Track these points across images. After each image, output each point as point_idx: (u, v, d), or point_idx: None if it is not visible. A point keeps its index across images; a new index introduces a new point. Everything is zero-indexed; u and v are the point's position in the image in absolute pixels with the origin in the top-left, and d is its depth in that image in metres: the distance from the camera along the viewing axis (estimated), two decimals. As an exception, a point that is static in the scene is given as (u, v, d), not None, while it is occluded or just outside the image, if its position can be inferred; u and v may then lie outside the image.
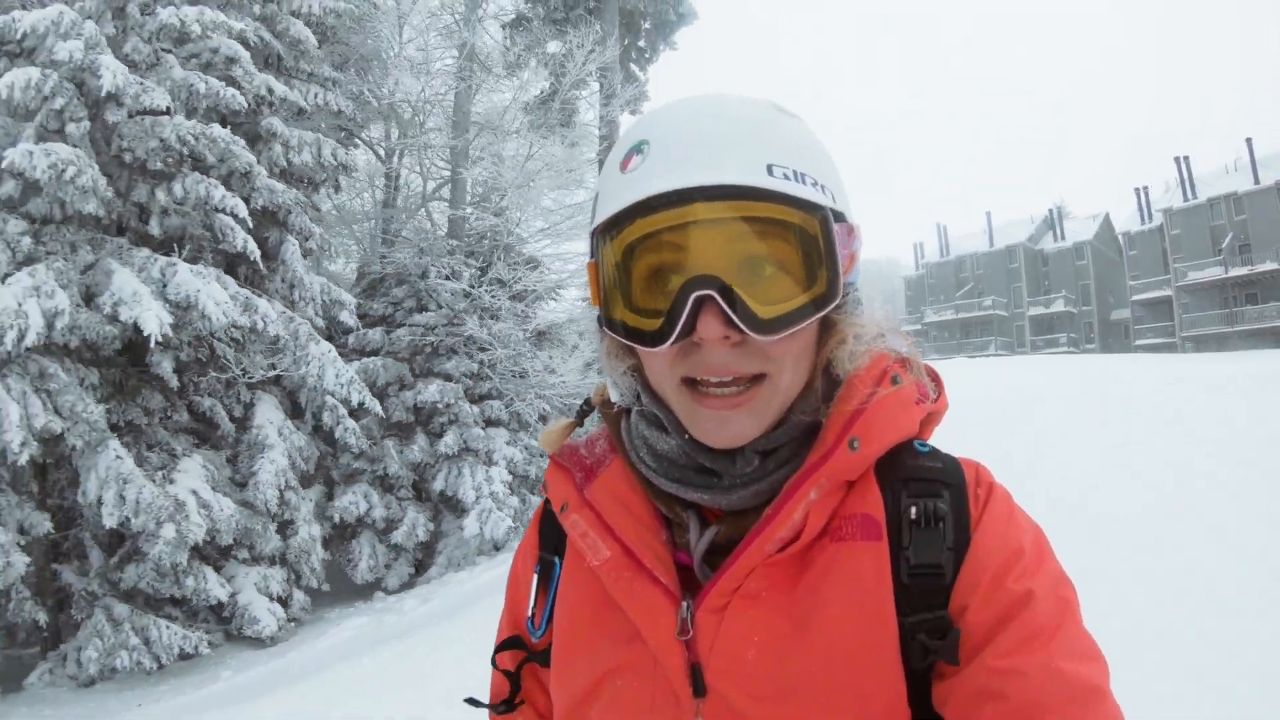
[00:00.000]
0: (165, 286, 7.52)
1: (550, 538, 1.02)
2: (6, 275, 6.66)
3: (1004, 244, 56.34)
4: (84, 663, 7.27)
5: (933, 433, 0.92)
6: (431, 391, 11.12)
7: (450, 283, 12.03)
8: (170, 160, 7.91)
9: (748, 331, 0.77)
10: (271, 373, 9.04)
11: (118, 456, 7.15)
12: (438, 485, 11.09)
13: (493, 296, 12.29)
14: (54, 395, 6.83)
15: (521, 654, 1.03)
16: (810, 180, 0.80)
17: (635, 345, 0.84)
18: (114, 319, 7.19)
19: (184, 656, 7.83)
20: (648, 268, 0.82)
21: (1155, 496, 8.00)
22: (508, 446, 11.61)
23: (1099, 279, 52.97)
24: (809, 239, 0.80)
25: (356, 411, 10.03)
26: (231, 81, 8.67)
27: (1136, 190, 49.57)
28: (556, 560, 1.00)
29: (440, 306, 11.92)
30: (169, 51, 8.32)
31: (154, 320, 7.03)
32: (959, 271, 58.74)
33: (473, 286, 12.11)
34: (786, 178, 0.78)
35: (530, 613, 1.00)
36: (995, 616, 0.76)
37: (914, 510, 0.82)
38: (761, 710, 0.78)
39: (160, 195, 7.92)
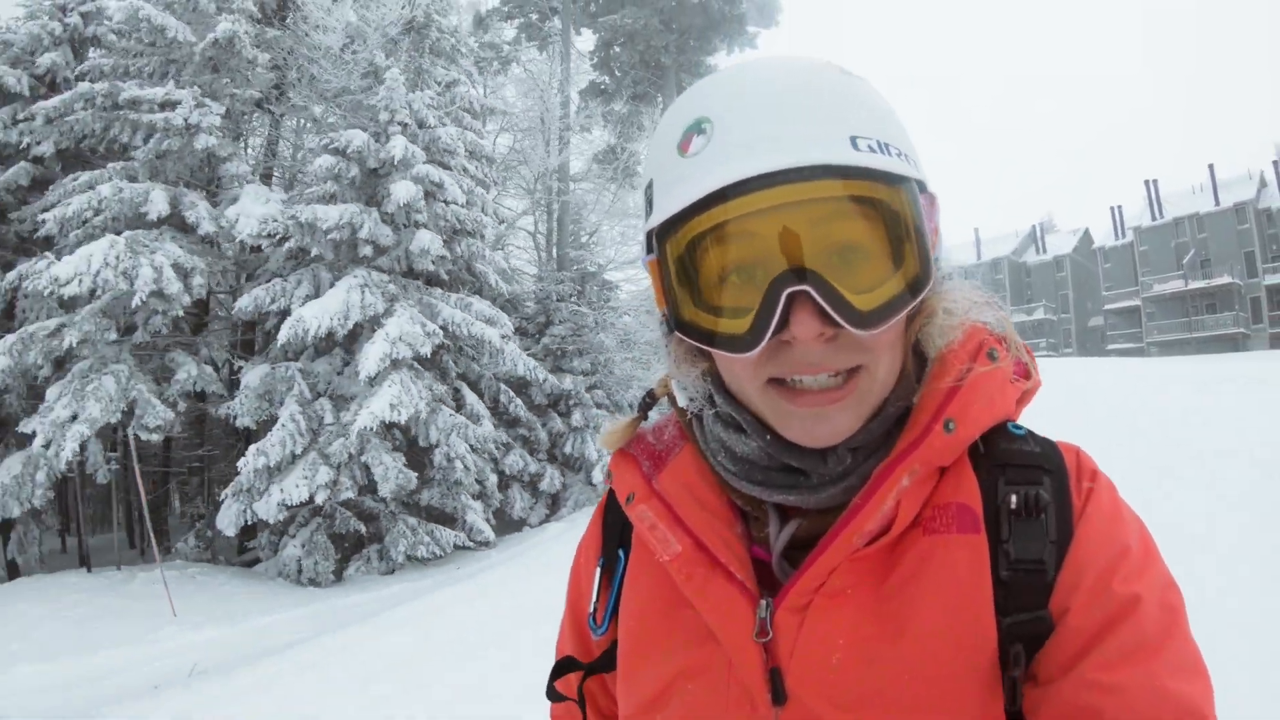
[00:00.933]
0: (459, 313, 12.01)
1: (614, 530, 0.97)
2: (388, 310, 11.02)
3: (990, 257, 60.85)
4: (393, 555, 11.46)
5: (1021, 414, 0.84)
6: (566, 383, 15.49)
7: (564, 304, 16.44)
8: (454, 230, 12.37)
9: (847, 327, 0.69)
10: (493, 368, 13.64)
11: (451, 415, 11.62)
12: (567, 449, 15.44)
13: (596, 311, 16.70)
14: (416, 384, 11.24)
15: (579, 674, 0.96)
16: (895, 150, 0.72)
17: (716, 351, 0.76)
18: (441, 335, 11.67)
19: (436, 557, 12.04)
20: (722, 262, 0.73)
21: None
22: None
23: (1077, 289, 57.46)
24: (898, 217, 0.72)
25: (520, 394, 14.43)
26: (465, 171, 13.13)
27: (1111, 209, 54.15)
28: (621, 554, 0.94)
29: (563, 321, 16.30)
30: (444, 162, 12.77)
31: (494, 333, 11.51)
32: (948, 282, 63.22)
33: (578, 305, 16.51)
34: (872, 150, 0.69)
35: (592, 609, 0.94)
36: (1099, 622, 0.69)
37: (1014, 499, 0.74)
38: (845, 718, 0.72)
39: (447, 253, 12.37)
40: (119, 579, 10.80)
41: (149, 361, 11.35)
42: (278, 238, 11.66)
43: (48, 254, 10.70)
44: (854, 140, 0.69)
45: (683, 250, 0.74)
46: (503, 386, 14.09)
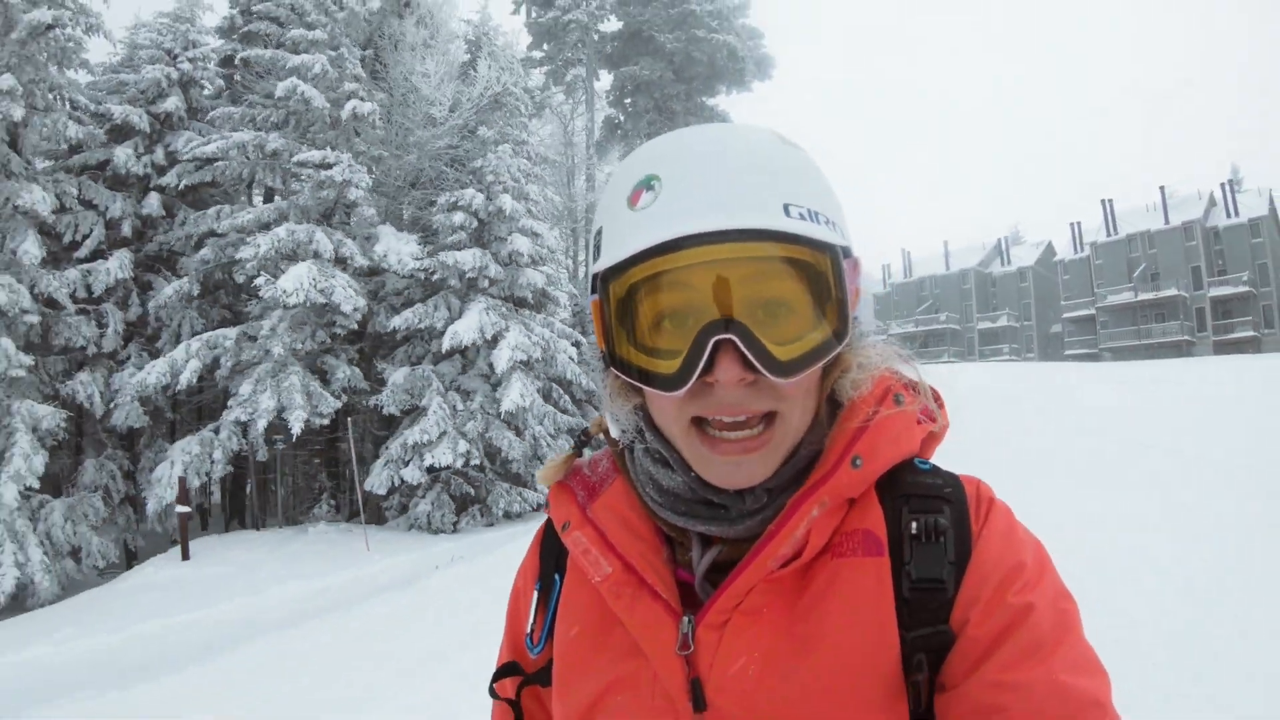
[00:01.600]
0: (547, 330, 15.62)
1: (551, 556, 1.02)
2: (506, 327, 14.53)
3: (958, 267, 64.98)
4: (494, 511, 14.99)
5: (934, 452, 0.91)
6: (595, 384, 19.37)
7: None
8: (527, 260, 15.89)
9: (765, 374, 0.76)
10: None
11: (542, 404, 15.45)
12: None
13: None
14: (528, 380, 14.77)
15: (519, 679, 1.02)
16: (823, 219, 0.79)
17: (647, 388, 0.82)
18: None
19: (522, 514, 15.50)
20: (658, 308, 0.80)
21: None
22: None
23: (1039, 298, 61.62)
24: (821, 278, 0.79)
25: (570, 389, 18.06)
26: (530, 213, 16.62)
27: (1071, 225, 58.39)
28: (557, 578, 0.99)
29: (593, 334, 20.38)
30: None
31: (565, 344, 15.21)
32: (919, 290, 67.38)
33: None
34: (803, 217, 0.76)
35: (530, 629, 0.99)
36: (996, 630, 0.75)
37: (915, 525, 0.81)
38: None
39: (521, 279, 15.82)
40: (292, 533, 14.23)
41: (310, 364, 14.73)
42: (422, 273, 15.38)
43: (265, 274, 14.15)
44: (787, 207, 0.75)
45: (624, 294, 0.80)
46: (553, 384, 17.67)
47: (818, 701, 0.77)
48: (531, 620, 1.00)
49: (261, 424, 13.35)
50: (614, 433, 0.97)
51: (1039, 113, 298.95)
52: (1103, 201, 53.96)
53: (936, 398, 0.92)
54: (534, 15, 26.37)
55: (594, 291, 0.86)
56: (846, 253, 0.83)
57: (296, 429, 13.61)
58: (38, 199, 13.20)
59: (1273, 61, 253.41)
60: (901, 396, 0.87)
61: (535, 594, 1.01)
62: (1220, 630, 5.01)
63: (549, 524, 1.03)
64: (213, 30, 19.43)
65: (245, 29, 18.36)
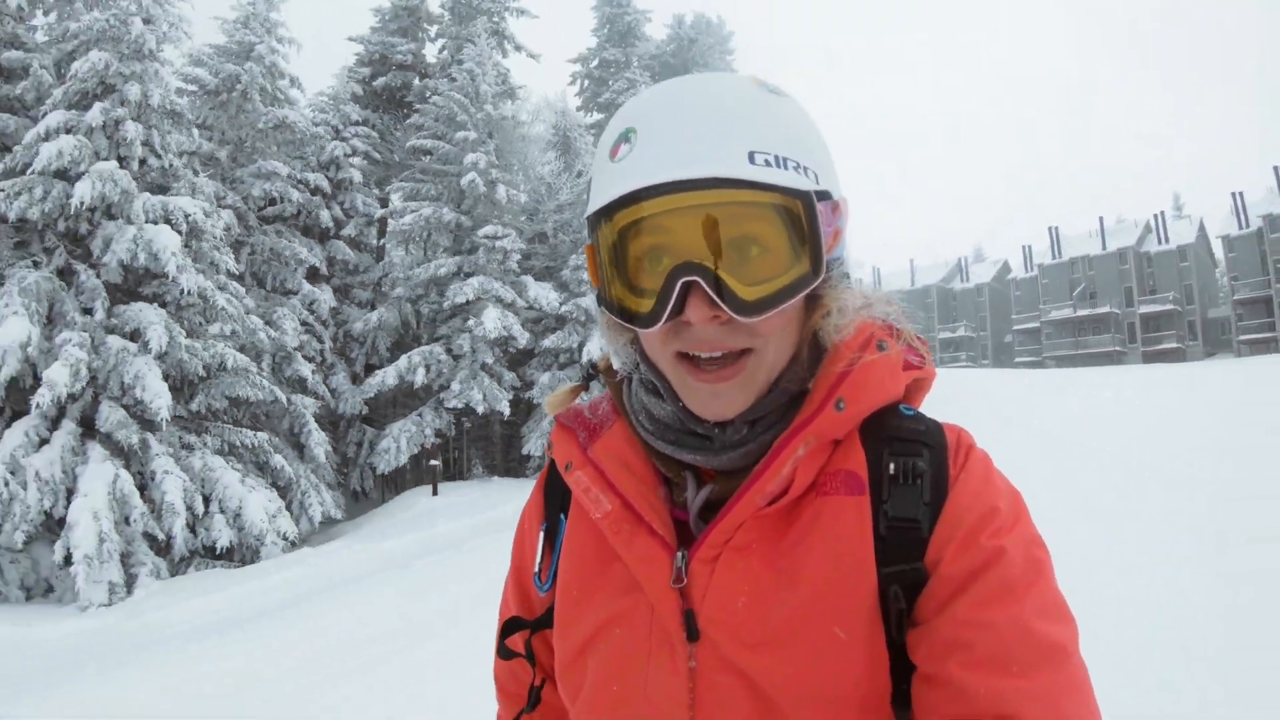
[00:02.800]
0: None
1: (555, 496, 1.05)
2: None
3: (922, 284, 72.23)
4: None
5: (922, 400, 0.95)
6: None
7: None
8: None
9: (731, 313, 0.79)
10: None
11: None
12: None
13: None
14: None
15: (526, 632, 1.04)
16: (792, 164, 0.81)
17: (629, 325, 0.86)
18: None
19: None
20: (640, 250, 0.84)
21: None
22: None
23: (993, 312, 68.86)
24: (792, 220, 0.81)
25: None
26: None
27: (1023, 247, 65.74)
28: (562, 517, 1.02)
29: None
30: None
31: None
32: (888, 302, 74.50)
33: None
34: (768, 164, 0.79)
35: (537, 569, 1.03)
36: (967, 570, 0.77)
37: (893, 466, 0.84)
38: (749, 655, 0.81)
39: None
40: (483, 480, 20.34)
41: (489, 370, 20.68)
42: (561, 310, 21.38)
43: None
44: (752, 155, 0.78)
45: (611, 238, 0.85)
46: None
47: (801, 631, 0.79)
48: (539, 560, 1.03)
49: (460, 406, 19.18)
50: (615, 365, 1.02)
51: (1004, 135, 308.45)
52: (1050, 229, 61.40)
53: (922, 343, 0.94)
54: (589, 93, 32.11)
55: (589, 237, 0.89)
56: (825, 195, 0.85)
57: (481, 409, 19.37)
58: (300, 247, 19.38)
59: (1211, 95, 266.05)
60: (885, 343, 0.89)
61: (541, 534, 1.04)
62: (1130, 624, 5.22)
63: (552, 465, 1.06)
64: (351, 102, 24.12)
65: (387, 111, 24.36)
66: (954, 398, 18.39)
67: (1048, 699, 0.71)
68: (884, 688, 0.81)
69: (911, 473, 0.85)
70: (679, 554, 0.86)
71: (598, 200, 0.85)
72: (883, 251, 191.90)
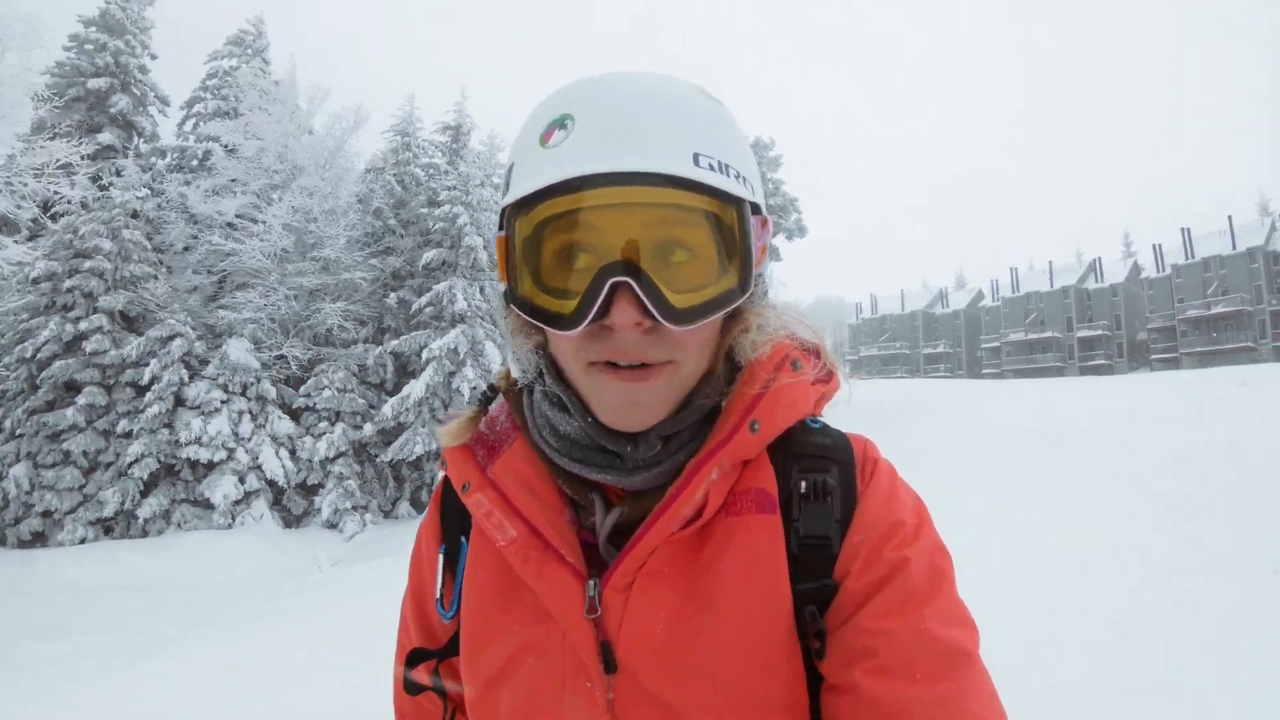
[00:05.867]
0: None
1: (453, 517, 0.99)
2: None
3: (910, 309, 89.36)
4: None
5: (823, 409, 0.93)
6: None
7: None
8: None
9: (661, 320, 0.76)
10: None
11: None
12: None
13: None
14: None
15: (432, 662, 0.99)
16: (733, 172, 0.78)
17: (544, 327, 0.81)
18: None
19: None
20: (561, 247, 0.78)
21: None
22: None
23: (968, 332, 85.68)
24: (726, 230, 0.78)
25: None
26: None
27: (991, 280, 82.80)
28: (463, 540, 0.97)
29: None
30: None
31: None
32: (881, 325, 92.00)
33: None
34: (712, 168, 0.76)
35: (439, 595, 0.97)
36: (872, 581, 0.78)
37: (804, 485, 0.83)
38: (671, 684, 0.78)
39: None
40: None
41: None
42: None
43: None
44: (696, 156, 0.75)
45: (528, 231, 0.78)
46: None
47: (721, 655, 0.78)
48: (440, 585, 0.97)
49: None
50: (514, 372, 0.95)
51: (984, 168, 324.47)
52: (1010, 268, 78.66)
53: (832, 360, 0.92)
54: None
55: (501, 228, 0.83)
56: (755, 209, 0.83)
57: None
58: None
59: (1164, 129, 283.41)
60: (799, 362, 0.87)
61: (440, 557, 0.98)
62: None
63: (447, 484, 1.00)
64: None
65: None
66: (933, 395, 23.50)
67: (952, 703, 0.71)
68: (803, 704, 0.80)
69: (822, 490, 0.83)
70: (591, 582, 0.82)
71: (522, 187, 0.78)
72: (876, 278, 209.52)
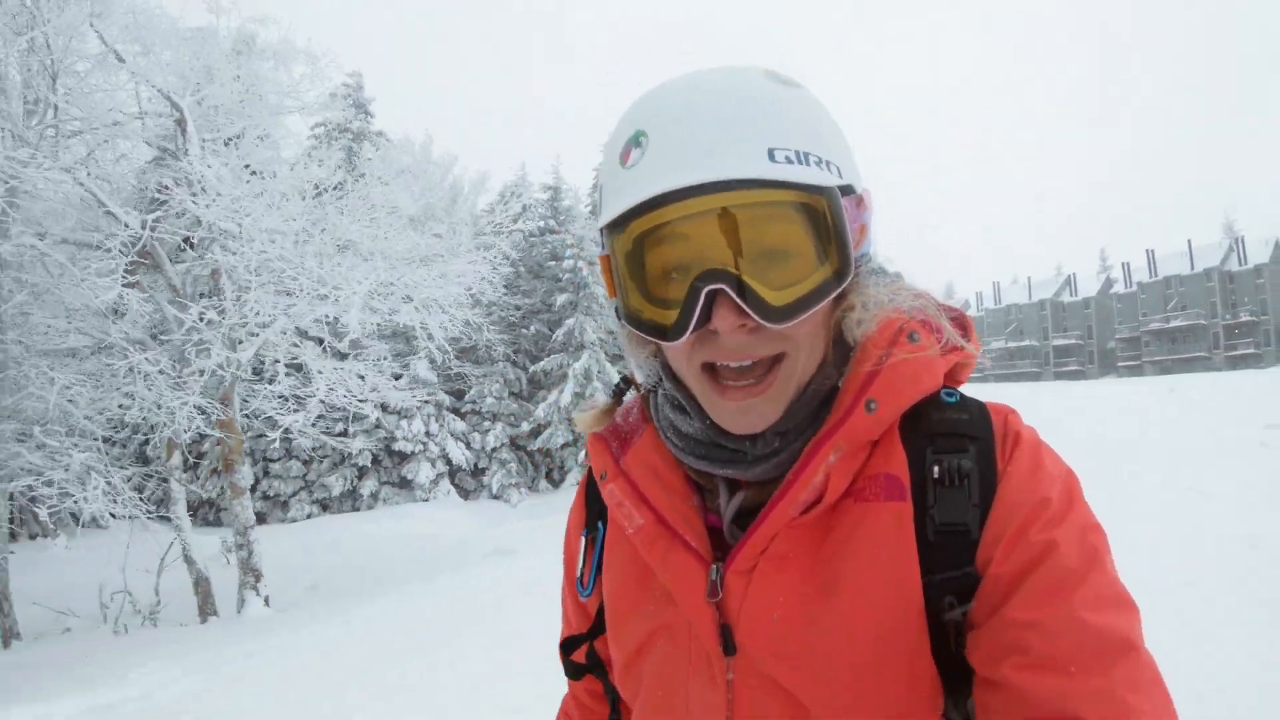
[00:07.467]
0: None
1: (594, 504, 1.04)
2: None
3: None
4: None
5: (967, 378, 0.90)
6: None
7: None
8: None
9: (760, 321, 0.76)
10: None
11: None
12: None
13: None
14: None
15: (586, 644, 1.05)
16: (814, 159, 0.77)
17: (652, 338, 0.82)
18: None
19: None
20: (659, 260, 0.80)
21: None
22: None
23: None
24: (817, 219, 0.77)
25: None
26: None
27: (977, 292, 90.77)
28: (601, 525, 1.02)
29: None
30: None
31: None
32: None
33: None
34: (789, 160, 0.75)
35: (579, 573, 1.04)
36: (1018, 568, 0.73)
37: (937, 469, 0.79)
38: (787, 669, 0.79)
39: None
40: None
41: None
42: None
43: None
44: (771, 152, 0.74)
45: (627, 248, 0.80)
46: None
47: (841, 644, 0.77)
48: (580, 565, 1.04)
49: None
50: (639, 379, 0.99)
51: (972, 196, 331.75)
52: (993, 283, 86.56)
53: (964, 324, 0.88)
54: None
55: (602, 246, 0.85)
56: (848, 190, 0.81)
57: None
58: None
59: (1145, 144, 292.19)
60: (916, 334, 0.82)
61: (583, 540, 1.04)
62: None
63: (590, 474, 1.04)
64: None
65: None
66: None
67: (1111, 696, 0.66)
68: (927, 699, 0.77)
69: (957, 473, 0.78)
70: (713, 567, 0.83)
71: (610, 209, 0.80)
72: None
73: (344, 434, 23.88)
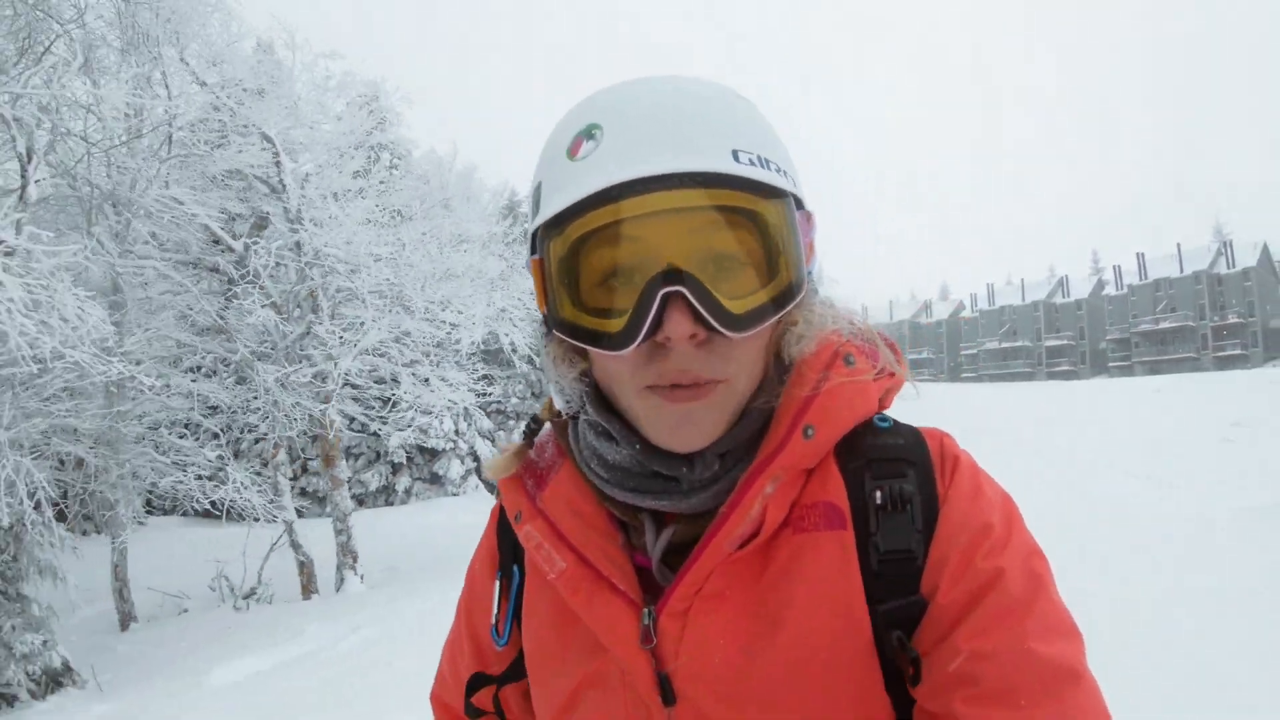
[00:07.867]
0: None
1: (508, 546, 0.97)
2: None
3: (898, 318, 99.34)
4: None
5: (892, 402, 0.87)
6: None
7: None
8: None
9: (719, 328, 0.71)
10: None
11: None
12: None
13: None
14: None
15: (493, 687, 0.98)
16: (774, 166, 0.74)
17: (594, 349, 0.76)
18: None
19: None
20: (603, 263, 0.74)
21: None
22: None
23: (949, 341, 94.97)
24: (774, 228, 0.73)
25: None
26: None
27: (972, 293, 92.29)
28: (516, 569, 0.95)
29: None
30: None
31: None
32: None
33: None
34: (752, 163, 0.72)
35: (494, 621, 0.95)
36: (965, 596, 0.71)
37: (879, 495, 0.76)
38: (734, 714, 0.74)
39: None
40: None
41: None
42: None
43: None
44: (735, 153, 0.71)
45: (565, 251, 0.74)
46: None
47: (789, 683, 0.73)
48: (495, 612, 0.95)
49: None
50: (558, 404, 0.91)
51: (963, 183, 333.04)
52: (987, 284, 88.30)
53: (892, 347, 0.85)
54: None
55: (533, 251, 0.79)
56: (799, 204, 0.79)
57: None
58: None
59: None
60: (852, 357, 0.80)
61: (496, 585, 0.96)
62: None
63: (502, 513, 0.98)
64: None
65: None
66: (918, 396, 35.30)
67: None
68: None
69: (900, 498, 0.76)
70: (645, 610, 0.77)
71: (554, 204, 0.73)
72: (859, 289, 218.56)
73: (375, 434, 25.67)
